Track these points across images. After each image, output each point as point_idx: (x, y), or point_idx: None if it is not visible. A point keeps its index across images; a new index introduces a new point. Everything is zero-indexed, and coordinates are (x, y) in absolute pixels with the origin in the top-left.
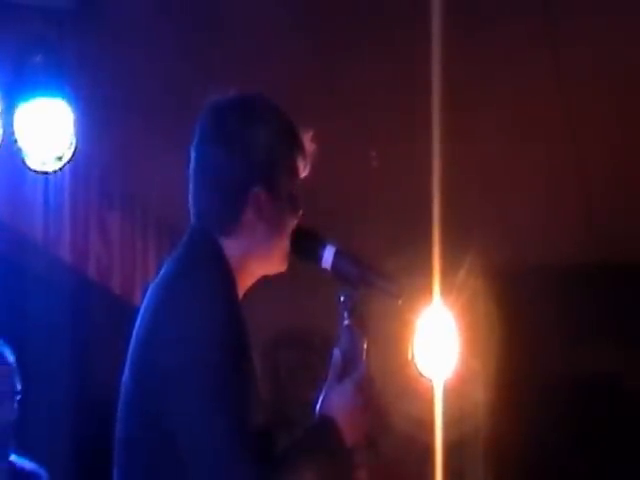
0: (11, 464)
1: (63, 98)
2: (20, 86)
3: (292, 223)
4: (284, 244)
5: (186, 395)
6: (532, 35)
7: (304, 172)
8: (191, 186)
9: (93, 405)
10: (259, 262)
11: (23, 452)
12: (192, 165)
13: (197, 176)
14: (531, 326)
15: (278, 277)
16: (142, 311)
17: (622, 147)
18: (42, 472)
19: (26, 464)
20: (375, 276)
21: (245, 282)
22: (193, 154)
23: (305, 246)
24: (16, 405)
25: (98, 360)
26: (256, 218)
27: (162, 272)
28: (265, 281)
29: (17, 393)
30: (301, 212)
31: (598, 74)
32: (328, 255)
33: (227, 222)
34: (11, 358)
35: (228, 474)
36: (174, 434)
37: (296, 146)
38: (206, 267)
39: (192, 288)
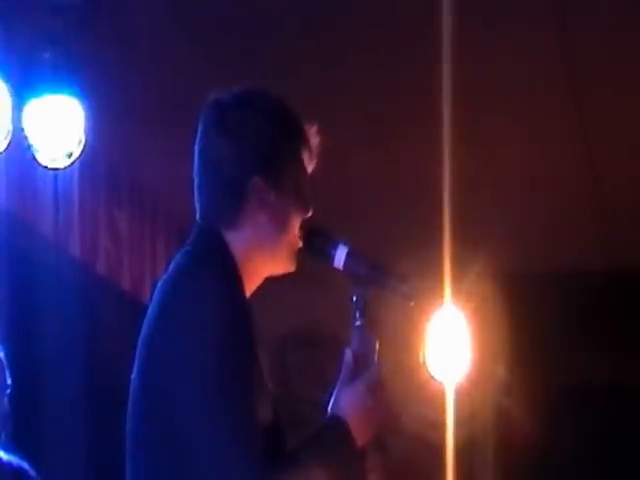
0: None
1: (73, 95)
2: (29, 82)
3: (298, 219)
4: (291, 241)
5: (191, 392)
6: (545, 36)
7: (310, 166)
8: (195, 181)
9: (101, 400)
10: (265, 258)
11: (11, 448)
12: (195, 159)
13: (200, 169)
14: (540, 330)
15: (285, 277)
16: (150, 309)
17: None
18: (29, 468)
19: (13, 460)
20: (388, 277)
21: (252, 281)
22: (196, 148)
23: (317, 245)
24: (6, 400)
25: (107, 355)
26: (257, 208)
27: (170, 269)
28: (272, 281)
29: (7, 387)
30: (310, 209)
31: (610, 75)
32: (340, 255)
33: (229, 213)
34: (1, 354)
35: (230, 472)
36: (179, 431)
37: (299, 138)
38: (212, 265)
39: (198, 287)
